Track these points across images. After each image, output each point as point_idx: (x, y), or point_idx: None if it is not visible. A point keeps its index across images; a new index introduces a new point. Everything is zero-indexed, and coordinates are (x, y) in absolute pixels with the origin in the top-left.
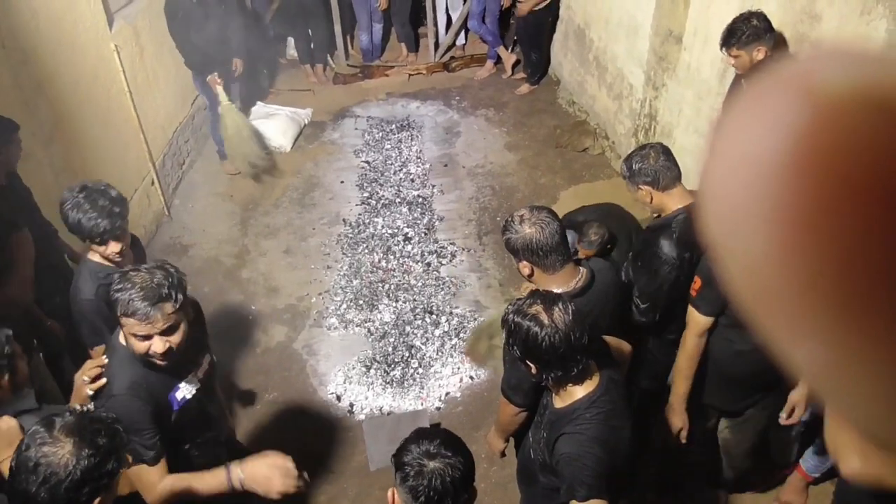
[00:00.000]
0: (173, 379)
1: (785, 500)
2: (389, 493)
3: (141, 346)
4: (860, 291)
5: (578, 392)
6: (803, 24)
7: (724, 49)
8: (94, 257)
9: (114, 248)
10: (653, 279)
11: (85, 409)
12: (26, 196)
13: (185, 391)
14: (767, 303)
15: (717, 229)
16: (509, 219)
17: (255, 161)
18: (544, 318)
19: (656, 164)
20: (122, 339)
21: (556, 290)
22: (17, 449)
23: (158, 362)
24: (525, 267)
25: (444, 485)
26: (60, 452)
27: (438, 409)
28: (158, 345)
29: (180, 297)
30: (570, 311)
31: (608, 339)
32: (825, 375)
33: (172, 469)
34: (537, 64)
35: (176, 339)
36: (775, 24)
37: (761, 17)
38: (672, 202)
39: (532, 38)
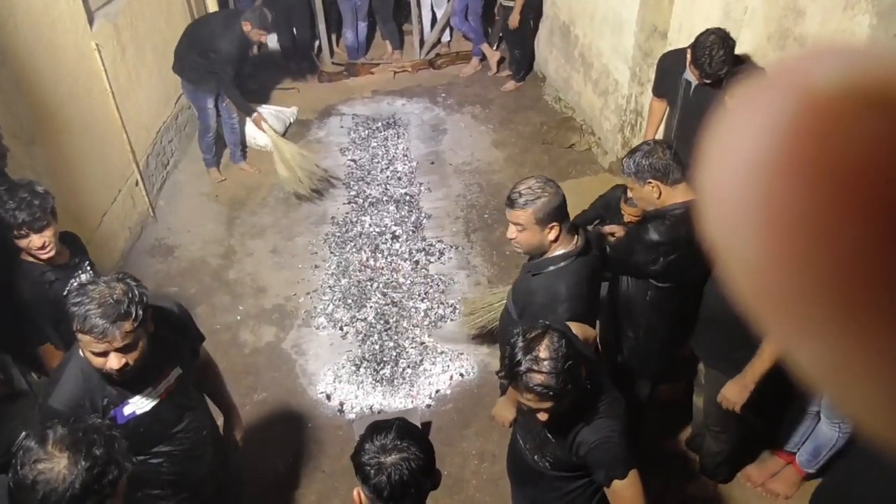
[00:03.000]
0: (127, 392)
1: (771, 487)
2: (355, 493)
3: (97, 361)
4: (861, 290)
5: None
6: (787, 20)
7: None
8: (27, 257)
9: (35, 241)
10: (626, 248)
11: (74, 419)
12: None
13: (135, 406)
14: (769, 303)
15: (716, 230)
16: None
17: (316, 182)
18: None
19: (661, 160)
20: (80, 350)
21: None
22: (12, 467)
23: (114, 377)
24: (554, 228)
25: (405, 477)
26: (57, 468)
27: (429, 406)
28: (114, 361)
29: (140, 313)
30: (555, 343)
31: (572, 324)
32: (829, 375)
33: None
34: (522, 61)
35: (134, 355)
36: (760, 19)
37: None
38: (675, 199)
39: (516, 35)
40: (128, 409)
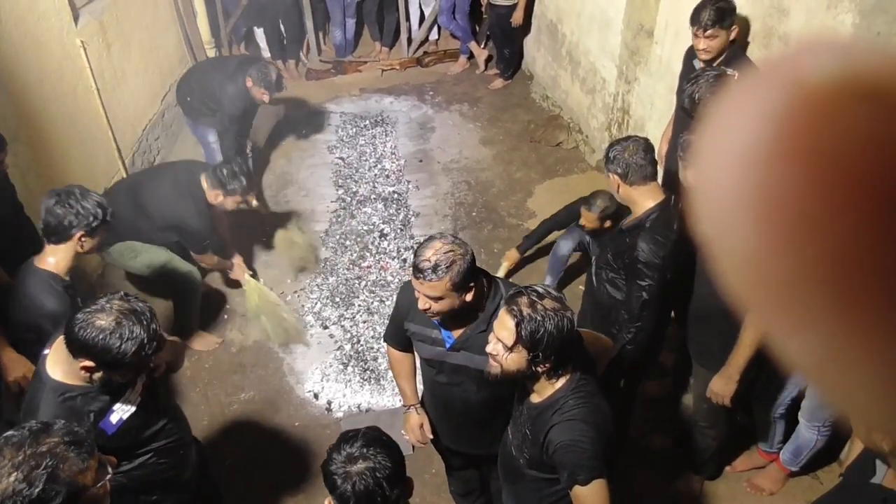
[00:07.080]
0: (112, 400)
1: (756, 483)
2: (326, 503)
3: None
4: (854, 281)
5: (558, 381)
6: (772, 18)
7: (707, 31)
8: (43, 265)
9: (89, 244)
10: (643, 283)
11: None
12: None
13: (120, 412)
14: (761, 295)
15: (710, 223)
16: None
17: (291, 330)
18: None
19: (630, 158)
20: (49, 371)
21: None
22: None
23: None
24: (473, 289)
25: (369, 486)
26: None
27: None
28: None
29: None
30: (552, 295)
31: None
32: (820, 367)
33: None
34: (510, 59)
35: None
36: (744, 18)
37: None
38: (642, 199)
39: (504, 33)
40: (114, 417)
